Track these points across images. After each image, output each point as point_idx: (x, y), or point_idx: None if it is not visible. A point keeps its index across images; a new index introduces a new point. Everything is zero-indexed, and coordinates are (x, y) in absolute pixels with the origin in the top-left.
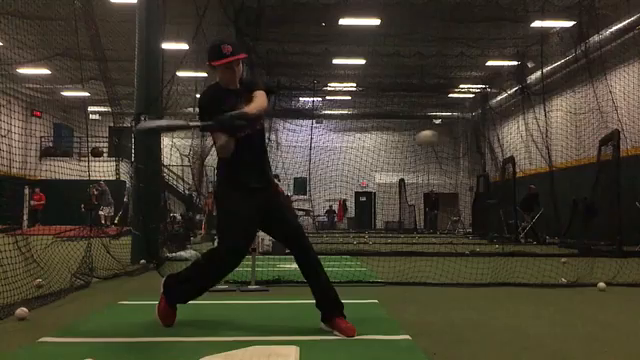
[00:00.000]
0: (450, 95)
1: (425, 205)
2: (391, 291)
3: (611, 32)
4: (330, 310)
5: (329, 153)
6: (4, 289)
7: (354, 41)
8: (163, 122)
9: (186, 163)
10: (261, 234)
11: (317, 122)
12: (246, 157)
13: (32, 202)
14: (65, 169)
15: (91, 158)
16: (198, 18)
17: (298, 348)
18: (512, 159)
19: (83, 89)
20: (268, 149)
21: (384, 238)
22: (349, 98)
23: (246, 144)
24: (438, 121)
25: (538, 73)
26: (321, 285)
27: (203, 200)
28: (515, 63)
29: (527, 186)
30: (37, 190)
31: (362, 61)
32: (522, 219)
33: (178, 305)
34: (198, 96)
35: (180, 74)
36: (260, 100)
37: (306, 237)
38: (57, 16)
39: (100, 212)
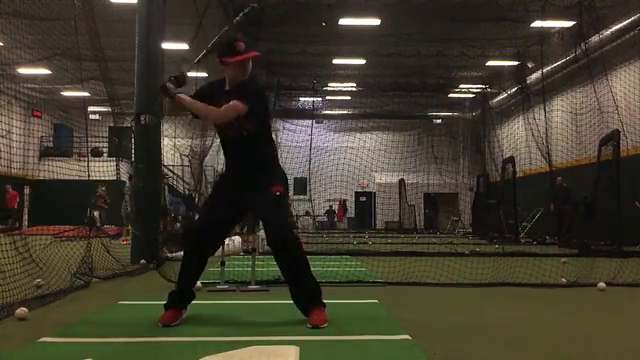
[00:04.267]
0: (450, 95)
1: (425, 205)
2: (391, 291)
3: (611, 32)
4: (305, 308)
5: (329, 153)
6: (4, 289)
7: (354, 41)
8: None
9: (186, 163)
10: (261, 234)
11: (317, 122)
12: (229, 156)
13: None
14: (65, 169)
15: (91, 158)
16: (198, 18)
17: (298, 348)
18: (512, 159)
19: (83, 89)
20: None
21: (384, 238)
22: (349, 98)
23: (229, 144)
24: (438, 121)
25: (538, 73)
26: (296, 294)
27: (203, 200)
28: (515, 63)
29: (555, 179)
30: (8, 188)
31: (362, 61)
32: (522, 219)
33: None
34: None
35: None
36: (219, 110)
37: (279, 243)
38: (57, 16)
39: (95, 213)
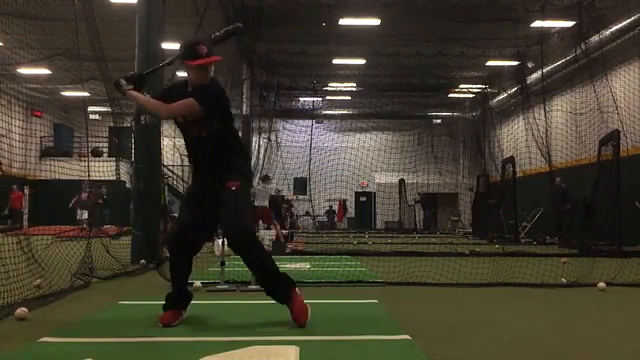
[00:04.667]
0: (450, 95)
1: (423, 205)
2: (391, 291)
3: (611, 32)
4: (281, 295)
5: (329, 153)
6: (4, 289)
7: (354, 41)
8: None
9: (186, 163)
10: (261, 234)
11: (317, 122)
12: (193, 156)
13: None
14: (65, 169)
15: (91, 158)
16: (198, 18)
17: (298, 348)
18: (512, 159)
19: (83, 89)
20: (268, 149)
21: (384, 238)
22: (349, 98)
23: (191, 145)
24: (438, 121)
25: (538, 73)
26: (264, 282)
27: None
28: (515, 63)
29: (554, 179)
30: (15, 188)
31: (362, 61)
32: (522, 219)
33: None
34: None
35: (180, 74)
36: (170, 105)
37: (233, 238)
38: (57, 16)
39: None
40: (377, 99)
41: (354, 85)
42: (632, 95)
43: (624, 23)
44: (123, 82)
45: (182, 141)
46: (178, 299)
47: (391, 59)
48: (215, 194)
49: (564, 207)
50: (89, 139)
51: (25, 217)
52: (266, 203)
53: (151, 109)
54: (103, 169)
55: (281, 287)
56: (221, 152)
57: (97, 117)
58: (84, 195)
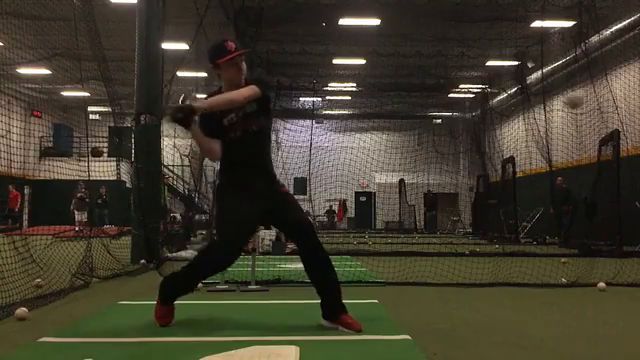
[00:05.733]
0: (450, 95)
1: (425, 205)
2: (391, 291)
3: (611, 32)
4: (335, 308)
5: (329, 153)
6: (4, 289)
7: (354, 41)
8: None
9: (186, 163)
10: (261, 234)
11: (317, 122)
12: (237, 157)
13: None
14: (65, 169)
15: (91, 158)
16: (198, 18)
17: (298, 348)
18: (512, 159)
19: (83, 89)
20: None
21: (384, 238)
22: (349, 98)
23: (236, 144)
24: (438, 121)
25: (538, 73)
26: (327, 284)
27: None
28: (515, 63)
29: (555, 180)
30: (11, 188)
31: (362, 61)
32: (522, 219)
33: (177, 305)
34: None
35: (180, 74)
36: (231, 94)
37: (313, 235)
38: (57, 16)
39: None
40: (377, 99)
41: (354, 85)
42: (632, 95)
43: (624, 23)
44: (184, 101)
45: (182, 141)
46: (178, 296)
47: (391, 59)
48: (269, 199)
49: (566, 207)
50: (89, 139)
51: (25, 217)
52: None
53: (227, 104)
54: (103, 169)
55: (337, 297)
56: (267, 153)
57: (97, 117)
58: (78, 196)
